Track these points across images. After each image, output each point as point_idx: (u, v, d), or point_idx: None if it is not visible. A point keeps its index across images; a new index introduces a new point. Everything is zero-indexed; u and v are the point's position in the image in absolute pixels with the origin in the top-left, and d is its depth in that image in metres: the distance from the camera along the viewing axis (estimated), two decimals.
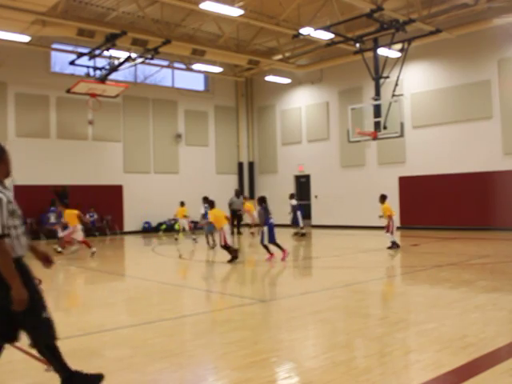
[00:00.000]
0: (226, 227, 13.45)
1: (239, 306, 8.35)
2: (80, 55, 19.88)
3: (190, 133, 28.53)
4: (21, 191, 22.31)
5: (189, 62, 26.12)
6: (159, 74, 27.50)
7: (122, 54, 20.17)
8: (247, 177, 30.62)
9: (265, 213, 13.46)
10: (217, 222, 13.43)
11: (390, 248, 14.81)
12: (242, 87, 30.82)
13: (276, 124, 29.70)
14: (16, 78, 22.92)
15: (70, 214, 15.92)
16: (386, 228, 14.98)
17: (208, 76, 29.29)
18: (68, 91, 19.70)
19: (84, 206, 23.37)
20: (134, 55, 19.86)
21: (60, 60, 24.14)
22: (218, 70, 26.32)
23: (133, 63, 20.14)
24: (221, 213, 13.66)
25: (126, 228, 25.62)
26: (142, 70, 26.98)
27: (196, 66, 25.64)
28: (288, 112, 29.04)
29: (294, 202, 21.64)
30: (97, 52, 19.48)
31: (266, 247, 13.44)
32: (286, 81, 27.93)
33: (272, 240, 13.40)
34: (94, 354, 5.73)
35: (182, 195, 24.73)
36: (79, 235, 16.00)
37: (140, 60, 20.01)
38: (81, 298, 9.94)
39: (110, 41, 18.86)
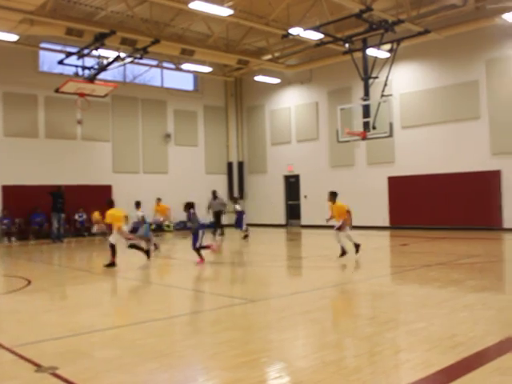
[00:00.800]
0: (124, 228, 13.11)
1: (229, 306, 8.35)
2: (68, 54, 19.75)
3: (180, 133, 28.48)
4: (9, 191, 22.23)
5: (178, 61, 26.07)
6: (148, 73, 27.44)
7: (111, 54, 20.08)
8: (237, 177, 30.60)
9: (195, 218, 13.39)
10: (114, 222, 12.98)
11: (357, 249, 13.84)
12: (231, 87, 30.80)
13: (265, 124, 29.72)
14: (4, 77, 22.76)
15: None
16: (344, 226, 13.90)
17: (197, 76, 29.25)
18: (56, 91, 19.56)
19: (73, 206, 23.30)
20: (122, 55, 19.79)
21: (48, 59, 24.02)
22: (207, 69, 26.27)
23: (122, 63, 20.05)
24: (119, 213, 13.24)
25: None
26: (131, 69, 26.89)
27: (185, 66, 25.59)
28: (277, 112, 29.06)
29: (238, 207, 21.32)
30: (85, 51, 19.35)
31: (198, 250, 13.28)
32: (276, 81, 27.96)
33: (196, 246, 13.32)
34: (83, 354, 5.70)
35: (172, 195, 24.71)
36: None
37: (129, 60, 19.92)
38: (70, 298, 9.89)
39: (99, 40, 18.75)
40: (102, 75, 20.08)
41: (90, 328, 6.87)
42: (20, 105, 23.23)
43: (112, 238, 12.85)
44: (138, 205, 17.97)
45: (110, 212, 13.04)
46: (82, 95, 19.87)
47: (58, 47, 23.07)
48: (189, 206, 13.48)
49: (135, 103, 26.87)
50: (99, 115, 25.04)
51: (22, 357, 5.55)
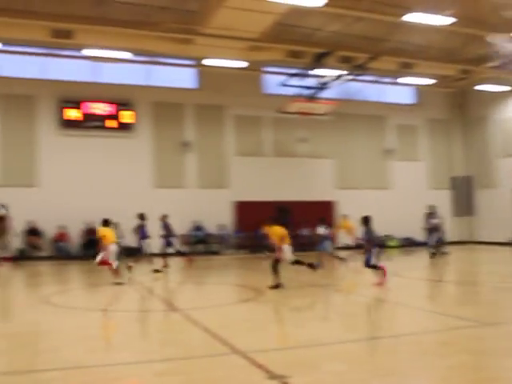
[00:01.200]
0: (286, 247, 12.38)
1: (459, 327, 7.83)
2: (290, 76, 20.66)
3: (401, 147, 27.98)
4: (240, 207, 23.96)
5: (397, 75, 25.67)
6: (367, 89, 27.47)
7: (331, 72, 20.54)
8: (463, 192, 28.96)
9: (370, 233, 12.52)
10: (277, 240, 12.41)
11: None
12: (454, 98, 29.41)
13: (493, 135, 27.75)
14: (233, 101, 24.64)
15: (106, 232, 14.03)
16: None
17: (417, 89, 28.51)
18: (280, 111, 20.58)
19: (298, 222, 23.97)
20: (341, 72, 20.10)
21: (272, 81, 25.29)
22: (427, 81, 25.50)
23: (341, 80, 20.37)
24: (281, 230, 12.60)
25: (341, 244, 25.70)
26: (350, 86, 27.13)
27: (404, 80, 25.13)
28: (508, 122, 26.94)
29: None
30: (306, 72, 20.07)
31: (374, 267, 12.36)
32: (504, 89, 26.01)
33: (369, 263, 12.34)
34: (310, 366, 5.80)
35: (394, 211, 24.33)
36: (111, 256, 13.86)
37: (348, 77, 20.16)
38: (298, 310, 10.18)
39: (318, 60, 19.35)
40: (322, 93, 20.62)
41: (317, 341, 6.99)
42: (248, 126, 25.02)
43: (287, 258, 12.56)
44: (321, 221, 17.85)
45: (273, 229, 12.76)
46: (304, 114, 20.63)
47: (281, 70, 24.20)
48: (366, 220, 12.89)
49: (355, 119, 27.06)
50: (321, 132, 25.77)
51: (254, 363, 5.83)
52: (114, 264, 13.57)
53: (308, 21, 20.65)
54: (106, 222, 14.08)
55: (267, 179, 24.79)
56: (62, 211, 21.21)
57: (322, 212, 25.22)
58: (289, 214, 22.12)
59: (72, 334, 8.02)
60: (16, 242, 20.72)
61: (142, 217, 16.57)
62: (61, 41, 19.10)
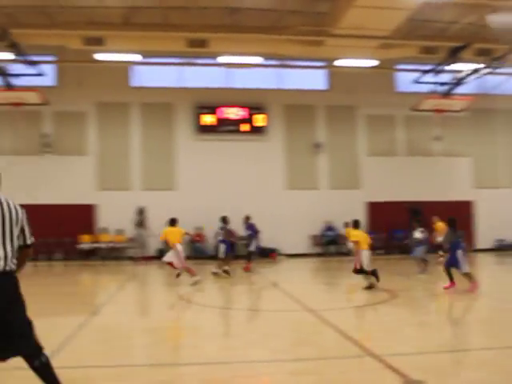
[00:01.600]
0: (365, 252, 12.14)
1: None
2: (424, 72, 20.07)
3: None
4: (373, 208, 23.64)
5: None
6: (507, 82, 25.87)
7: (467, 67, 19.67)
8: None
9: (454, 235, 11.68)
10: (361, 243, 12.22)
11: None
12: None
13: None
14: (365, 100, 24.28)
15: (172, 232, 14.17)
16: None
17: None
18: (414, 109, 20.00)
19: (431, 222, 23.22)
20: (479, 66, 19.19)
21: (404, 79, 24.64)
22: None
23: (478, 74, 19.45)
24: (360, 234, 12.40)
25: (479, 245, 24.52)
26: (488, 80, 25.72)
27: None
28: None
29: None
30: (440, 67, 19.40)
31: (448, 272, 11.57)
32: None
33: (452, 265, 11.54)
34: (447, 372, 5.64)
35: None
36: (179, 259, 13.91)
37: (486, 70, 19.20)
38: (432, 313, 9.90)
39: (454, 54, 18.63)
40: (458, 89, 19.83)
41: (453, 346, 6.76)
42: (380, 125, 24.53)
43: (359, 263, 12.27)
44: (418, 223, 16.73)
45: (353, 233, 12.64)
46: (438, 111, 19.94)
47: (413, 66, 23.51)
48: (450, 223, 12.13)
49: (494, 115, 25.55)
50: (457, 130, 24.61)
51: (389, 366, 5.75)
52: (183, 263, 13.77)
53: (442, 14, 19.85)
54: (172, 222, 14.23)
55: (400, 179, 24.17)
56: (199, 213, 22.06)
57: (460, 212, 24.17)
58: (421, 214, 21.45)
59: (208, 330, 8.38)
60: (156, 242, 21.94)
61: (224, 220, 16.40)
62: (196, 50, 19.98)
